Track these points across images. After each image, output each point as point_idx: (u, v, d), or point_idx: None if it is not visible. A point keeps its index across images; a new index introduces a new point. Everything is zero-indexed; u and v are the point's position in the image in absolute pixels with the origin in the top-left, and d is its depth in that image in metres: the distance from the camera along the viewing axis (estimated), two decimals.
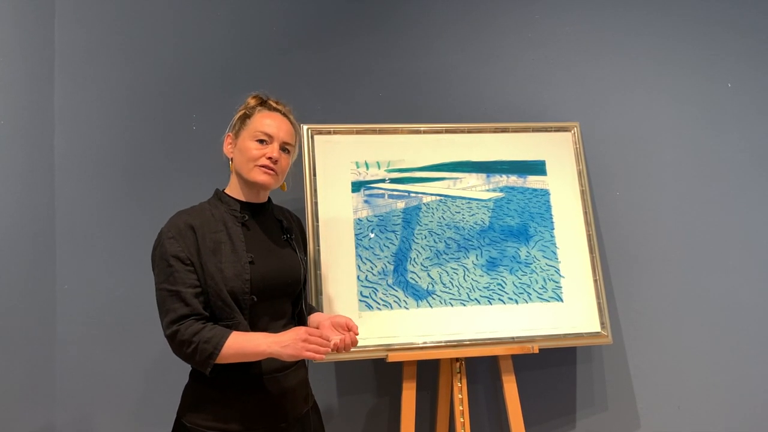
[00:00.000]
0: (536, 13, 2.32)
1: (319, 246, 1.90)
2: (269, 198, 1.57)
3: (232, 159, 1.51)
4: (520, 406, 1.89)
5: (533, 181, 2.10)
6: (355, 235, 1.95)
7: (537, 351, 1.89)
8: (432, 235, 1.99)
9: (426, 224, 2.00)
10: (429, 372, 2.14)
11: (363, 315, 1.88)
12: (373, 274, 1.93)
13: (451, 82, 2.26)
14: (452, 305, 1.94)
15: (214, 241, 1.40)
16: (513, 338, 1.93)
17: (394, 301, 1.91)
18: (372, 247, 1.95)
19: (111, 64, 2.10)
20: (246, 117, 1.50)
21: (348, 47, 2.22)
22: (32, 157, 1.96)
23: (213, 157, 2.10)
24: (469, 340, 1.91)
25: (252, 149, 1.45)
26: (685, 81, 2.35)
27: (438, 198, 2.03)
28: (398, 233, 1.98)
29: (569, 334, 1.97)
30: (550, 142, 2.14)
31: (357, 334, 1.47)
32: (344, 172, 2.00)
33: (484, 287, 1.97)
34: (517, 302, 1.97)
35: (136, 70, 2.11)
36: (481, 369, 2.21)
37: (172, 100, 2.12)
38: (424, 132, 2.08)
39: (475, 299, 1.96)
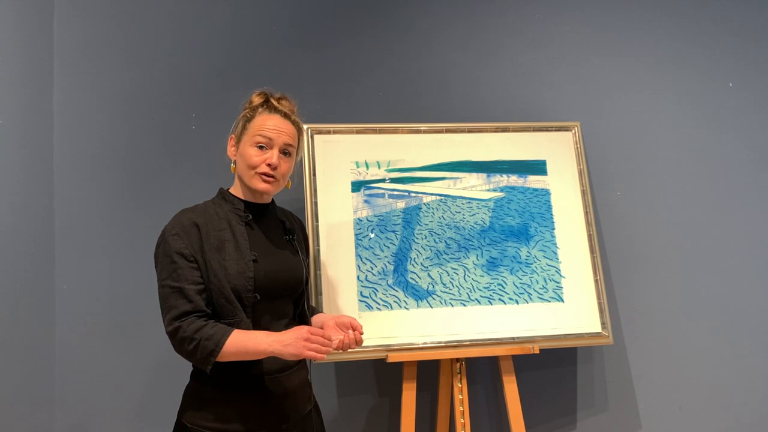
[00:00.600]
0: (537, 13, 2.31)
1: (319, 246, 1.90)
2: (273, 199, 1.57)
3: (235, 161, 1.50)
4: (520, 406, 1.89)
5: (534, 181, 2.09)
6: (355, 235, 1.95)
7: (537, 351, 1.89)
8: (432, 235, 1.99)
9: (426, 224, 2.00)
10: (429, 372, 2.14)
11: (363, 315, 1.88)
12: (373, 274, 1.92)
13: (452, 81, 2.26)
14: (452, 305, 1.93)
15: (218, 239, 1.40)
16: (513, 338, 1.92)
17: (395, 302, 1.91)
18: (372, 247, 1.95)
19: (110, 64, 2.09)
20: (248, 120, 1.48)
21: (348, 46, 2.22)
22: (31, 156, 1.95)
23: (213, 157, 2.10)
24: (470, 341, 1.90)
25: (252, 156, 1.44)
26: (686, 80, 2.34)
27: (438, 198, 2.03)
28: (398, 233, 1.97)
29: (570, 334, 1.96)
30: (550, 142, 2.14)
31: (362, 334, 1.47)
32: (344, 172, 1.99)
33: (484, 287, 1.96)
34: (517, 302, 1.97)
35: (136, 69, 2.11)
36: (482, 369, 2.20)
37: (172, 100, 2.12)
38: (425, 132, 2.07)
39: (476, 299, 1.95)
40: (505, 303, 1.96)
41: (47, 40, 2.04)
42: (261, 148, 1.45)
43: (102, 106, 2.08)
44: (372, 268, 1.93)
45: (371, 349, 1.85)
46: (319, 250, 1.90)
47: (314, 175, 1.96)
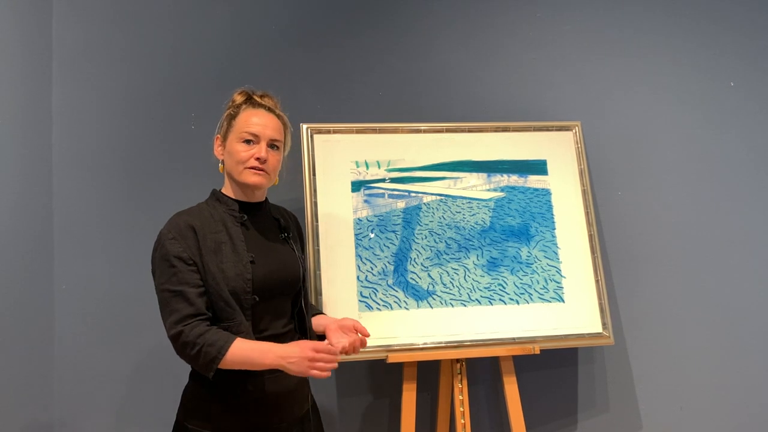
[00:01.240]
0: (537, 12, 2.31)
1: (318, 246, 1.89)
2: (266, 197, 1.56)
3: (222, 161, 1.50)
4: (521, 407, 1.88)
5: (534, 181, 2.09)
6: (355, 235, 1.94)
7: (538, 352, 1.88)
8: (432, 235, 1.98)
9: (426, 224, 1.99)
10: (429, 373, 2.13)
11: (363, 315, 1.87)
12: (373, 275, 1.91)
13: (452, 81, 2.25)
14: (453, 306, 1.93)
15: (214, 242, 1.39)
16: (514, 339, 1.92)
17: (395, 302, 1.90)
18: (372, 247, 1.94)
19: (109, 64, 2.09)
20: (232, 117, 1.49)
21: (348, 46, 2.21)
22: (30, 156, 1.95)
23: (212, 157, 2.09)
24: (470, 341, 1.89)
25: (240, 151, 1.44)
26: (687, 80, 2.34)
27: (438, 198, 2.02)
28: (398, 233, 1.97)
29: (571, 334, 1.96)
30: (551, 142, 2.13)
31: (368, 336, 1.47)
32: (344, 172, 1.98)
33: (484, 287, 1.96)
34: (518, 303, 1.96)
35: (135, 69, 2.10)
36: (482, 370, 2.20)
37: (171, 100, 2.11)
38: (425, 131, 2.07)
39: (476, 300, 1.94)
40: (505, 303, 1.96)
41: (46, 40, 2.04)
42: (248, 143, 1.44)
43: (101, 106, 2.08)
44: (372, 269, 1.92)
45: (371, 349, 1.84)
46: (318, 251, 1.89)
47: (314, 175, 1.95)
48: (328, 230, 1.92)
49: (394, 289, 1.91)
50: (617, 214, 2.27)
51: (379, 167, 2.02)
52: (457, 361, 1.91)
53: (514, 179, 2.08)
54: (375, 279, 1.91)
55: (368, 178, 2.00)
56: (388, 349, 1.85)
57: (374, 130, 2.04)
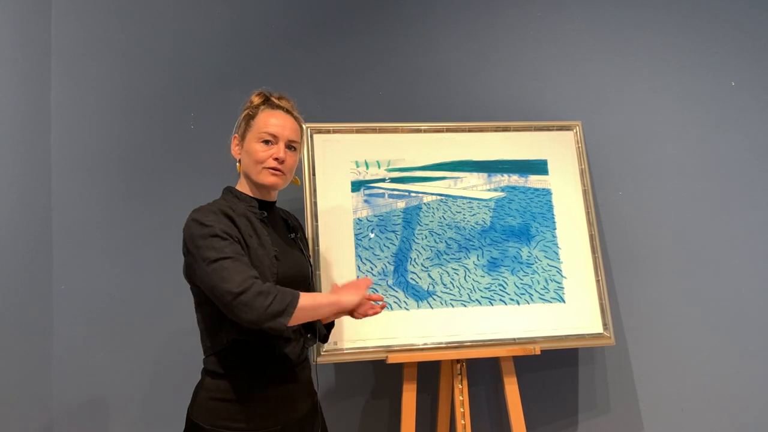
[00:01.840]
0: (538, 11, 2.30)
1: (318, 246, 1.89)
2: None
3: (239, 160, 1.51)
4: (521, 408, 1.88)
5: (535, 181, 2.08)
6: (355, 235, 1.93)
7: (539, 352, 1.87)
8: (432, 235, 1.98)
9: (426, 224, 1.98)
10: (429, 373, 2.12)
11: None
12: (373, 275, 1.91)
13: (452, 80, 2.24)
14: (453, 306, 1.92)
15: (245, 233, 1.39)
16: (514, 339, 1.91)
17: (395, 302, 1.90)
18: (372, 248, 1.93)
19: (108, 63, 2.08)
20: (250, 117, 1.49)
21: (347, 45, 2.21)
22: (29, 156, 1.94)
23: (212, 156, 2.09)
24: (470, 342, 1.89)
25: (258, 151, 1.45)
26: (688, 79, 2.33)
27: (439, 198, 2.01)
28: (398, 233, 1.96)
29: (571, 335, 1.95)
30: (551, 141, 2.13)
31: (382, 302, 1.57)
32: (344, 172, 1.98)
33: (485, 288, 1.95)
34: (518, 303, 1.95)
35: (134, 68, 2.10)
36: (483, 370, 2.19)
37: (171, 99, 2.11)
38: (425, 131, 2.06)
39: (476, 300, 1.94)
40: (506, 303, 1.95)
41: (45, 40, 2.03)
42: (266, 143, 1.45)
43: (100, 106, 2.07)
44: (372, 269, 1.91)
45: (371, 349, 1.84)
46: (318, 250, 1.88)
47: (314, 174, 1.95)
48: (327, 230, 1.91)
49: (394, 290, 1.91)
50: (618, 214, 2.26)
51: (379, 167, 2.01)
52: (458, 361, 1.90)
53: (514, 179, 2.07)
54: (375, 279, 1.91)
55: (368, 178, 1.99)
56: (388, 349, 1.84)
57: (374, 130, 2.03)
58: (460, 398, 1.88)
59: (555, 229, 2.05)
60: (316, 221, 1.91)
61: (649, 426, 2.23)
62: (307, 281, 1.54)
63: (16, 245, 1.87)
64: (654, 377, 2.24)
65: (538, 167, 2.10)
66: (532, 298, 1.97)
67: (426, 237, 1.97)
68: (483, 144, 2.08)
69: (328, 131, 2.00)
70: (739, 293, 2.28)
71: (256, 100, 1.51)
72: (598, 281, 2.02)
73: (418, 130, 2.06)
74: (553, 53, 2.29)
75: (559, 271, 2.01)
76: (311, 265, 1.58)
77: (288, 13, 2.19)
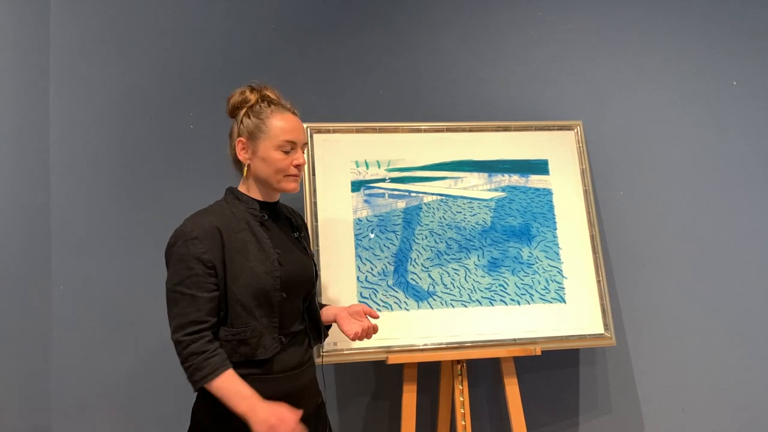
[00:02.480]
0: (539, 11, 2.29)
1: (318, 246, 1.88)
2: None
3: (248, 165, 1.45)
4: (522, 408, 1.87)
5: (535, 181, 2.07)
6: (355, 235, 1.93)
7: (539, 353, 1.87)
8: (433, 236, 1.97)
9: (427, 224, 1.98)
10: (430, 374, 2.12)
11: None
12: (373, 275, 1.90)
13: (452, 80, 2.24)
14: (453, 306, 1.92)
15: (240, 241, 1.39)
16: (515, 340, 1.91)
17: (395, 303, 1.89)
18: (372, 248, 1.93)
19: (107, 63, 2.08)
20: (258, 119, 1.44)
21: (348, 45, 2.20)
22: (27, 156, 1.94)
23: (211, 156, 2.08)
24: (471, 342, 1.88)
25: (280, 160, 1.43)
26: (689, 79, 2.32)
27: (439, 198, 2.01)
28: (399, 233, 1.96)
29: (572, 335, 1.95)
30: (552, 141, 2.12)
31: (377, 317, 1.56)
32: (344, 172, 1.97)
33: (485, 288, 1.95)
34: (519, 303, 1.95)
35: (133, 68, 2.09)
36: (483, 371, 2.18)
37: (170, 99, 2.10)
38: (425, 131, 2.05)
39: (477, 300, 1.93)
40: (506, 304, 1.94)
41: (43, 39, 2.03)
42: (286, 152, 1.44)
43: (99, 105, 2.07)
44: (372, 269, 1.91)
45: (371, 350, 1.84)
46: (318, 251, 1.88)
47: (314, 174, 1.94)
48: (327, 230, 1.91)
49: (394, 290, 1.90)
50: (619, 214, 2.25)
51: (379, 167, 2.00)
52: (458, 362, 1.89)
53: (515, 179, 2.07)
54: (375, 279, 1.90)
55: (368, 177, 1.99)
56: (389, 350, 1.84)
57: (374, 130, 2.03)
58: (461, 399, 1.87)
59: (556, 229, 2.04)
60: (316, 221, 1.90)
61: (651, 426, 2.23)
62: (312, 282, 1.53)
63: (15, 246, 1.87)
64: (655, 378, 2.23)
65: (539, 167, 2.09)
66: (532, 299, 1.96)
67: (426, 237, 1.97)
68: (483, 144, 2.08)
69: (328, 131, 1.99)
70: (741, 293, 2.27)
71: (251, 97, 1.46)
72: (599, 281, 2.01)
73: (418, 130, 2.05)
74: (554, 53, 2.29)
75: (560, 272, 2.00)
76: (315, 264, 1.57)
77: (288, 13, 2.18)
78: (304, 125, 1.96)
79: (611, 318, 1.99)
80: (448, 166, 2.04)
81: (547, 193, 2.07)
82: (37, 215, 1.97)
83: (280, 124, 1.44)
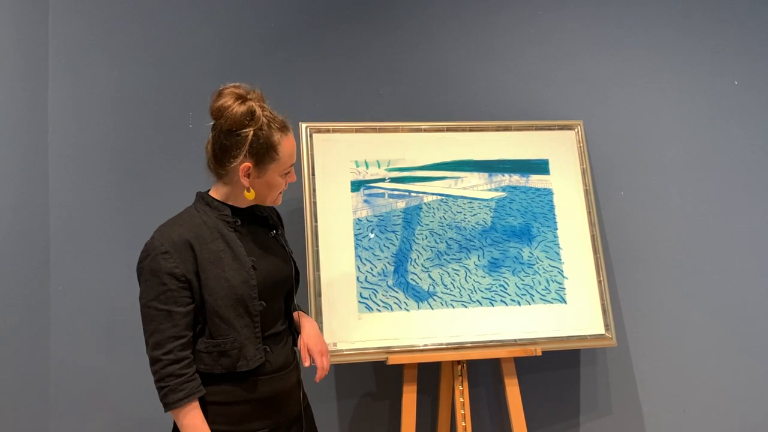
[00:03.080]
0: (539, 9, 2.29)
1: (318, 246, 1.88)
2: None
3: (248, 188, 1.39)
4: (522, 409, 1.87)
5: (536, 181, 2.07)
6: (355, 235, 1.92)
7: (540, 353, 1.86)
8: (433, 236, 1.97)
9: (427, 224, 1.97)
10: (430, 375, 2.11)
11: (363, 317, 1.86)
12: (373, 275, 1.90)
13: (453, 79, 2.23)
14: (453, 307, 1.91)
15: (212, 252, 1.35)
16: (515, 340, 1.90)
17: (395, 303, 1.89)
18: (372, 248, 1.92)
19: (106, 61, 2.07)
20: (268, 144, 1.35)
21: (347, 44, 2.19)
22: (26, 156, 1.93)
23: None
24: (471, 343, 1.88)
25: (281, 183, 1.42)
26: (690, 78, 2.32)
27: (439, 198, 2.00)
28: (398, 233, 1.95)
29: (573, 336, 1.94)
30: (553, 141, 2.11)
31: (329, 361, 1.56)
32: (343, 171, 1.97)
33: (486, 288, 1.94)
34: (519, 304, 1.94)
35: (132, 67, 2.09)
36: (483, 372, 2.18)
37: (169, 98, 2.10)
38: (425, 130, 2.05)
39: (477, 301, 1.93)
40: (506, 304, 1.94)
41: (42, 38, 2.02)
42: (287, 174, 1.43)
43: (98, 105, 2.06)
44: (372, 269, 1.90)
45: (371, 351, 1.83)
46: (318, 251, 1.87)
47: (313, 174, 1.94)
48: (327, 230, 1.90)
49: (394, 290, 1.90)
50: (620, 214, 2.25)
51: (379, 167, 2.00)
52: (458, 362, 1.89)
53: (515, 179, 2.06)
54: (375, 280, 1.89)
55: (368, 177, 1.98)
56: (389, 350, 1.83)
57: (374, 130, 2.02)
58: (461, 399, 1.87)
59: (556, 229, 2.03)
60: (316, 221, 1.90)
61: (651, 427, 2.22)
62: (290, 280, 1.50)
63: (14, 246, 1.86)
64: (656, 378, 2.23)
65: (540, 167, 2.08)
66: (533, 299, 1.95)
67: (426, 237, 1.96)
68: (484, 143, 2.07)
69: (327, 131, 1.99)
70: (742, 293, 2.26)
71: (260, 115, 1.35)
72: (599, 282, 2.01)
73: (418, 130, 2.05)
74: (555, 52, 2.28)
75: (561, 272, 1.99)
76: (294, 261, 1.53)
77: (287, 12, 2.18)
78: (304, 125, 1.97)
79: (612, 318, 1.99)
80: (448, 166, 2.04)
81: (548, 193, 2.07)
82: (35, 215, 1.96)
83: (289, 150, 1.39)
